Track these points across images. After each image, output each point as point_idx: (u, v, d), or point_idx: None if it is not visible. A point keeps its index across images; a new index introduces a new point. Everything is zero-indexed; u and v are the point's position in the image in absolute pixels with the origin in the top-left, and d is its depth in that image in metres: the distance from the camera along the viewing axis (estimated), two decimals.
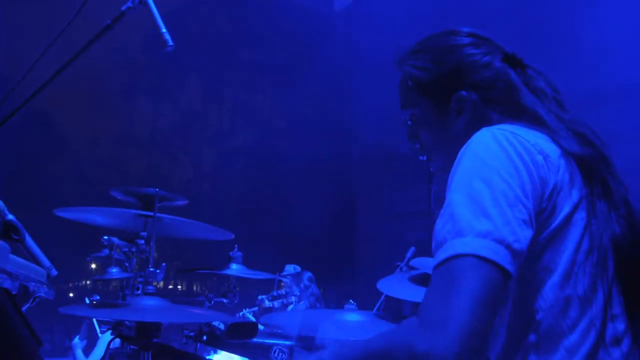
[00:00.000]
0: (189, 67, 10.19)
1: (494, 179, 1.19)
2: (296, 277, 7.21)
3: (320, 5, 11.30)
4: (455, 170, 1.27)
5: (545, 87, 1.49)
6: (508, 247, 1.13)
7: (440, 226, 1.19)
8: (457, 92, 1.51)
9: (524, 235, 1.16)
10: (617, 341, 1.26)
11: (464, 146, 1.30)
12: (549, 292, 1.26)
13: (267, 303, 6.61)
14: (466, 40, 1.55)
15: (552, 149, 1.32)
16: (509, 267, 1.12)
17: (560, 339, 1.25)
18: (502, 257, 1.11)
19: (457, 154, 1.39)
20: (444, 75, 1.54)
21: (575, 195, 1.29)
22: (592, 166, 1.34)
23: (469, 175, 1.22)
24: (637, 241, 1.32)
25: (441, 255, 1.15)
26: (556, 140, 1.34)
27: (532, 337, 1.27)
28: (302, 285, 7.07)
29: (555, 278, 1.26)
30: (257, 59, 10.48)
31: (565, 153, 1.33)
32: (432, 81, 1.56)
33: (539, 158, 1.26)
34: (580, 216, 1.28)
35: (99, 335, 4.16)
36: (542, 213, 1.25)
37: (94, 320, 4.14)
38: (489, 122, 1.43)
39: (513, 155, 1.23)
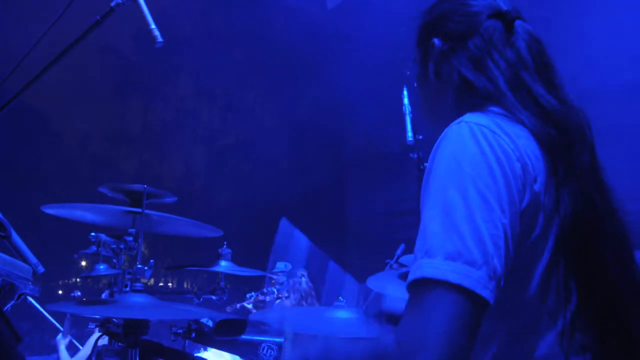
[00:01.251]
0: (181, 66, 10.16)
1: (470, 190, 1.13)
2: (289, 273, 7.23)
3: (312, 5, 11.29)
4: (431, 171, 1.21)
5: (525, 54, 1.39)
6: (480, 268, 1.09)
7: (417, 239, 1.17)
8: (433, 39, 1.47)
9: (499, 254, 1.12)
10: (581, 353, 1.24)
11: (440, 139, 1.24)
12: (522, 307, 1.23)
13: (260, 297, 6.64)
14: None
15: (530, 150, 1.24)
16: (482, 291, 1.08)
17: (528, 353, 1.24)
18: (473, 281, 1.08)
19: (433, 113, 1.38)
20: (428, 23, 1.51)
21: (546, 204, 1.23)
22: (554, 151, 1.26)
23: (445, 182, 1.15)
24: (597, 245, 1.26)
25: (411, 274, 1.13)
26: (521, 120, 1.27)
27: (500, 350, 1.25)
28: (291, 281, 7.10)
29: (529, 293, 1.23)
30: (249, 58, 10.45)
31: (538, 140, 1.26)
32: (420, 31, 1.53)
33: (517, 166, 1.19)
34: (553, 230, 1.23)
35: (61, 328, 4.14)
36: (518, 230, 1.19)
37: (44, 311, 4.11)
38: (451, 82, 1.38)
39: (492, 161, 1.17)
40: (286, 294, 6.80)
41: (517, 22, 1.43)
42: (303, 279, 7.51)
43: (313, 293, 7.32)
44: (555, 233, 1.23)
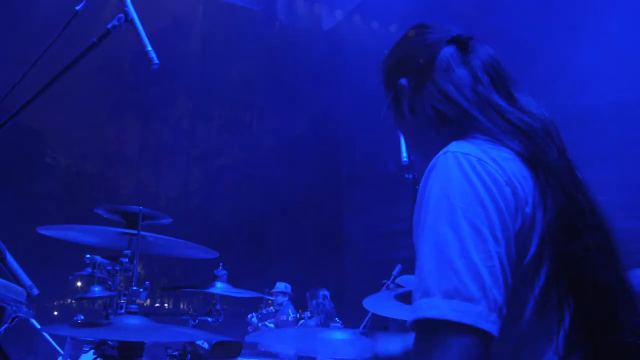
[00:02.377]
0: (178, 86, 10.19)
1: (461, 223, 1.13)
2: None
3: (310, 26, 11.38)
4: (422, 205, 1.22)
5: (481, 72, 1.41)
6: (479, 302, 1.08)
7: (415, 277, 1.17)
8: (400, 80, 1.51)
9: (497, 284, 1.11)
10: None
11: (428, 171, 1.25)
12: (522, 328, 1.22)
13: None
14: (418, 30, 1.53)
15: (518, 172, 1.25)
16: (484, 325, 1.08)
17: None
18: (473, 316, 1.07)
19: (419, 148, 1.42)
20: (393, 66, 1.55)
21: (538, 223, 1.23)
22: (535, 165, 1.29)
23: (435, 217, 1.16)
24: (584, 257, 1.28)
25: (411, 315, 1.13)
26: (504, 142, 1.29)
27: None
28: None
29: (528, 314, 1.22)
30: (246, 78, 10.49)
31: (522, 159, 1.27)
32: (386, 76, 1.57)
33: (507, 191, 1.18)
34: (548, 249, 1.23)
35: (61, 352, 4.09)
36: (514, 255, 1.19)
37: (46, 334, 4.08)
38: (425, 116, 1.42)
39: (480, 189, 1.17)
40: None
41: (471, 42, 1.47)
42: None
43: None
44: (548, 250, 1.23)
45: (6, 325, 1.99)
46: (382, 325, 3.59)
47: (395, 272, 3.66)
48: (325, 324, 6.90)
